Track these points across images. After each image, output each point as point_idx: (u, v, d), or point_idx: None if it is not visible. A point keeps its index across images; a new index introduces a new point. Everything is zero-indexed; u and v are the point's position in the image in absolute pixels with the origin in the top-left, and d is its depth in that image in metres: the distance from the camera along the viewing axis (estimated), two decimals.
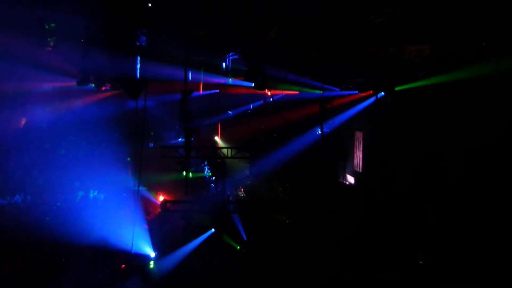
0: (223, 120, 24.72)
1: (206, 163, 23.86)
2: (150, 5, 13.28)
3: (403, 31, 12.98)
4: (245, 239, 19.36)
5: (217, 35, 14.46)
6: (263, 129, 23.16)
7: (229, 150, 19.56)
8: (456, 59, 13.19)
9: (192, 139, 16.57)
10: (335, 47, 14.92)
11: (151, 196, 21.65)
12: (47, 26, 13.38)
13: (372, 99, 18.06)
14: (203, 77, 19.98)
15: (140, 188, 18.42)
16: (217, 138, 25.03)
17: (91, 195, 20.83)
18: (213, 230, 19.61)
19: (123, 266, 16.57)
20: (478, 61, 12.63)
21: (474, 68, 12.79)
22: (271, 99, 16.01)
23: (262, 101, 23.41)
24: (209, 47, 15.58)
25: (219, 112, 24.41)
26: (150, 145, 21.99)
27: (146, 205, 21.26)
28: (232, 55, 16.38)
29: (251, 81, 14.86)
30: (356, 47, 14.91)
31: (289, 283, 15.73)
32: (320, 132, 19.06)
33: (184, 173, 16.80)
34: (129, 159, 21.07)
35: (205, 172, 23.80)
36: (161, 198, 21.26)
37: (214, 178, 23.56)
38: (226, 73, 18.81)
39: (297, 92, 20.95)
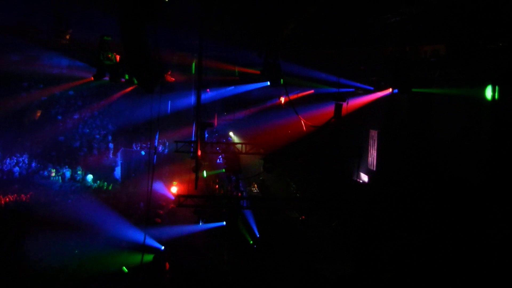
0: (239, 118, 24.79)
1: (220, 158, 23.93)
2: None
3: (419, 30, 12.90)
4: (258, 235, 19.37)
5: (232, 31, 14.47)
6: (278, 127, 23.15)
7: (243, 145, 19.59)
8: (472, 60, 13.04)
9: (207, 134, 16.60)
10: (351, 45, 14.88)
11: (165, 189, 21.79)
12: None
13: (386, 93, 17.92)
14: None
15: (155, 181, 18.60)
16: (231, 134, 25.08)
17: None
18: (224, 223, 19.64)
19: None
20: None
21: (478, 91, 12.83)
22: (286, 95, 15.93)
23: (277, 99, 23.36)
24: (224, 43, 15.59)
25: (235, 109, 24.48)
26: (162, 149, 22.25)
27: (159, 199, 21.40)
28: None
29: (267, 77, 14.89)
30: (372, 45, 14.86)
31: (299, 280, 15.73)
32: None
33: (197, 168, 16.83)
34: (143, 152, 21.21)
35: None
36: (173, 189, 21.40)
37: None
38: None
39: (312, 91, 20.89)
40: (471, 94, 13.31)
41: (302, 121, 16.82)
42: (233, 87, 21.82)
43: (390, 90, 17.19)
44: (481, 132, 13.14)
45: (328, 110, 17.90)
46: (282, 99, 20.14)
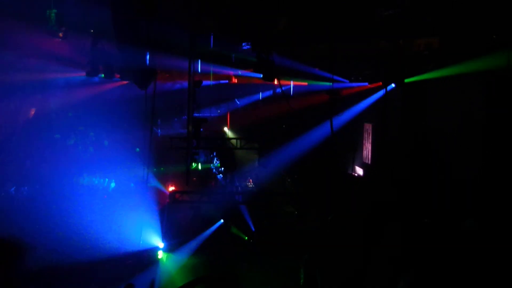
0: (232, 109, 24.65)
1: (215, 153, 23.95)
2: None
3: (412, 23, 12.91)
4: (253, 229, 19.38)
5: (225, 26, 14.43)
6: (272, 119, 23.07)
7: (238, 140, 19.63)
8: (466, 52, 13.05)
9: (202, 129, 16.59)
10: (344, 39, 14.87)
11: (160, 186, 21.75)
12: (53, 15, 13.40)
13: (381, 92, 17.96)
14: (212, 68, 19.91)
15: (150, 178, 18.54)
16: (226, 129, 25.06)
17: (112, 184, 20.89)
18: (222, 221, 19.65)
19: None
20: (489, 54, 12.47)
21: (484, 61, 12.64)
22: (280, 89, 15.92)
23: (271, 91, 23.26)
24: (217, 37, 15.56)
25: (228, 101, 24.33)
26: (158, 132, 21.92)
27: (156, 195, 21.37)
28: (243, 46, 16.33)
29: (260, 73, 14.86)
30: (365, 39, 14.86)
31: (295, 275, 15.74)
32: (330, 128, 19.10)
33: (190, 164, 16.77)
34: (138, 149, 21.14)
35: (214, 163, 23.85)
36: (171, 188, 21.37)
37: (223, 169, 23.64)
38: (235, 64, 18.80)
39: (306, 84, 20.86)
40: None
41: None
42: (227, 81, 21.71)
43: (381, 83, 17.24)
44: (477, 120, 13.17)
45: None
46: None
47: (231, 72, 20.82)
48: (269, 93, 23.11)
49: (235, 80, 21.43)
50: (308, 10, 12.85)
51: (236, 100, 23.68)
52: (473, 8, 11.32)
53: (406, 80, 15.50)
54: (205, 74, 19.21)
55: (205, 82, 19.33)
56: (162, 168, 21.30)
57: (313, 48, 16.69)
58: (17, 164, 18.65)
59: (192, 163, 17.04)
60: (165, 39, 14.38)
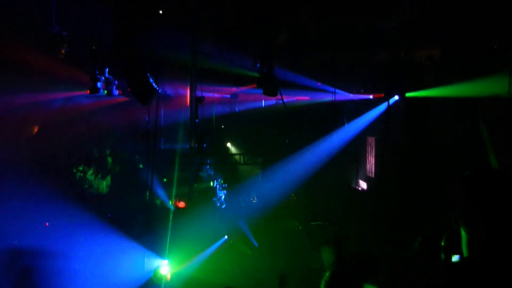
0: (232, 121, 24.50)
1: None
2: (161, 12, 13.36)
3: (414, 35, 12.96)
4: (256, 245, 19.31)
5: (226, 40, 14.50)
6: (274, 134, 23.07)
7: (241, 156, 19.55)
8: (467, 63, 13.03)
9: (205, 145, 16.59)
10: (345, 51, 14.93)
11: (167, 200, 21.65)
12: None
13: (384, 105, 17.96)
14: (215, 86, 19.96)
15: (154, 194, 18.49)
16: (229, 145, 25.03)
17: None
18: (226, 237, 19.59)
19: None
20: (488, 77, 12.50)
21: (484, 85, 12.66)
22: (281, 101, 15.92)
23: (274, 101, 23.15)
24: (219, 54, 15.63)
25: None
26: (161, 146, 21.87)
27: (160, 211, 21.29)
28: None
29: (262, 88, 14.88)
30: (367, 51, 14.91)
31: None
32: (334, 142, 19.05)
33: (194, 181, 16.71)
34: (141, 165, 21.12)
35: (217, 179, 23.73)
36: (180, 205, 21.30)
37: (226, 185, 23.58)
38: (238, 81, 18.84)
39: (307, 98, 20.87)
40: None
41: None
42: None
43: (383, 95, 17.26)
44: (479, 133, 13.10)
45: None
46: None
47: (233, 88, 20.89)
48: (271, 102, 22.99)
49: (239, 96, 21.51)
50: (308, 23, 12.92)
51: (236, 108, 23.56)
52: (474, 19, 11.34)
53: (407, 95, 15.50)
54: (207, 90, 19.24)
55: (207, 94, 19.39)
56: (165, 180, 21.15)
57: (314, 61, 16.75)
58: (20, 182, 18.60)
59: (197, 180, 17.01)
60: (167, 57, 14.47)
